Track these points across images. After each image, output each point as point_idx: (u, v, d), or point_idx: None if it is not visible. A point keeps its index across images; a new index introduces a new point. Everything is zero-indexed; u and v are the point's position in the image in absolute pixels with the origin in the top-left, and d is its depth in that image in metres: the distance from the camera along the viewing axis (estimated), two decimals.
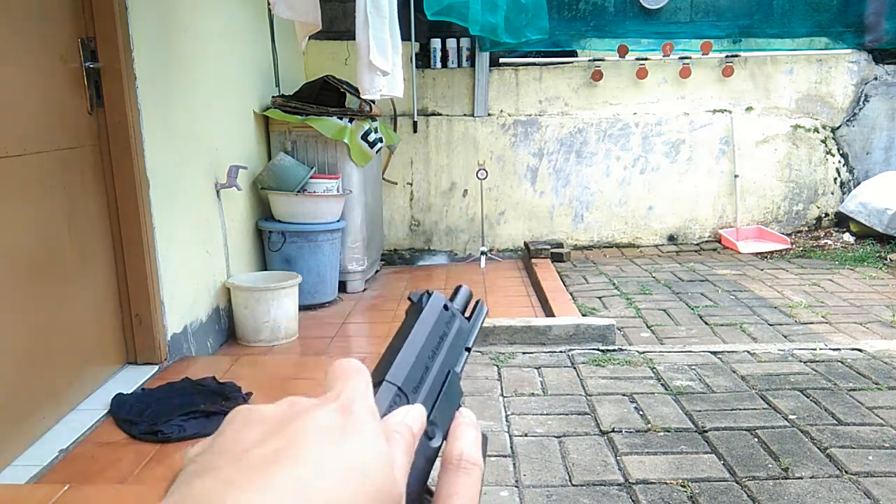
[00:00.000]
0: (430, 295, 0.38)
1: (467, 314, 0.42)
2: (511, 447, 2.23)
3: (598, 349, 3.09)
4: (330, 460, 0.25)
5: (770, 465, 2.10)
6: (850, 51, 5.21)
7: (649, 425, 2.37)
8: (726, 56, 5.13)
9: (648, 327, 3.56)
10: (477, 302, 0.42)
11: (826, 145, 5.36)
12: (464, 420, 0.35)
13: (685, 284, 4.33)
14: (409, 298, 0.39)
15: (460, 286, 0.42)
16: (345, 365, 0.31)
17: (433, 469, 0.33)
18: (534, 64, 5.14)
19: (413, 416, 0.32)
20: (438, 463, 0.33)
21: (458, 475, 0.32)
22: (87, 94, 2.43)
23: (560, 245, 5.08)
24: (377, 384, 0.33)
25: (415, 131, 5.12)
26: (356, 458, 0.26)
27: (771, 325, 3.54)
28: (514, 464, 2.13)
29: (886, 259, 4.73)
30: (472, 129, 5.17)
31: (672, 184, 5.33)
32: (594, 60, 5.11)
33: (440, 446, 0.33)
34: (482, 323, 0.40)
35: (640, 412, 2.48)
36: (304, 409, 0.27)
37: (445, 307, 0.38)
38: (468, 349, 0.38)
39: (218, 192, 3.21)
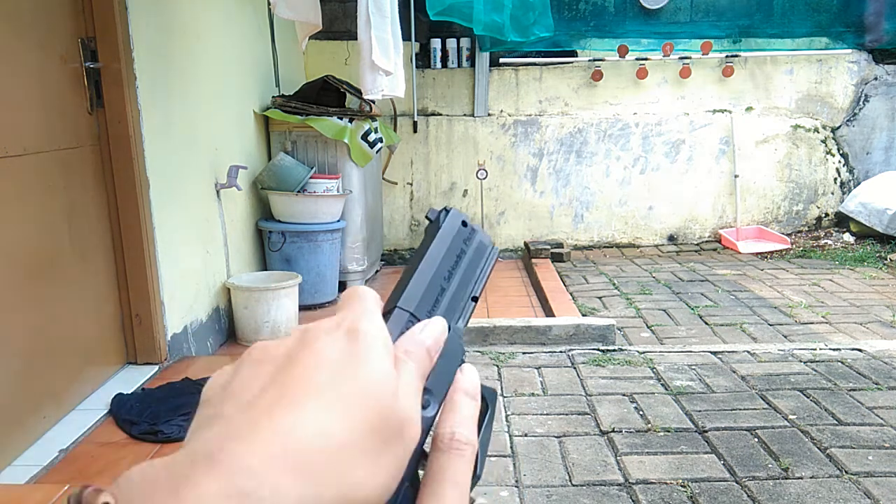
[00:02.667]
0: (447, 211, 0.36)
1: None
2: (511, 447, 2.23)
3: (598, 349, 3.09)
4: (333, 398, 0.25)
5: (770, 465, 2.10)
6: (850, 51, 5.21)
7: (649, 425, 2.37)
8: (726, 56, 5.13)
9: (648, 327, 3.56)
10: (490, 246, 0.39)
11: (826, 145, 5.36)
12: (462, 386, 0.31)
13: (685, 284, 4.33)
14: (427, 217, 0.36)
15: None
16: (355, 290, 0.30)
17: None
18: (534, 64, 5.14)
19: (428, 332, 0.30)
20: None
21: (449, 457, 0.29)
22: (87, 94, 2.43)
23: (560, 245, 5.08)
24: (389, 311, 0.32)
25: (415, 131, 5.12)
26: (360, 389, 0.25)
27: (771, 325, 3.54)
28: (514, 464, 2.13)
29: (886, 259, 4.73)
30: (472, 129, 5.17)
31: (672, 184, 5.33)
32: (594, 60, 5.11)
33: (435, 416, 0.29)
34: (492, 270, 0.37)
35: (640, 412, 2.48)
36: (311, 341, 0.27)
37: (464, 223, 0.36)
38: (475, 299, 0.35)
39: (218, 192, 3.21)
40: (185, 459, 0.23)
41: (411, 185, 5.24)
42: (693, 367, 2.89)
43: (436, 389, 0.30)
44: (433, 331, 0.31)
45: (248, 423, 0.24)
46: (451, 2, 4.33)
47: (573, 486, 2.01)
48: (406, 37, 4.35)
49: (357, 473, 0.24)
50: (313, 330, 0.28)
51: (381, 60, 3.06)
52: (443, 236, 0.35)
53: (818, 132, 5.34)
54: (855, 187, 5.33)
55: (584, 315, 3.54)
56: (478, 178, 5.02)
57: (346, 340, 0.27)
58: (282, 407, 0.24)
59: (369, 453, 0.25)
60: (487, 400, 0.32)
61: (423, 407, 0.28)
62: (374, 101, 3.97)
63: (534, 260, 4.78)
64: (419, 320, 0.31)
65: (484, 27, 4.47)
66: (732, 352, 3.06)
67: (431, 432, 0.29)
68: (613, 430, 2.34)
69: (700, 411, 2.47)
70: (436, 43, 5.03)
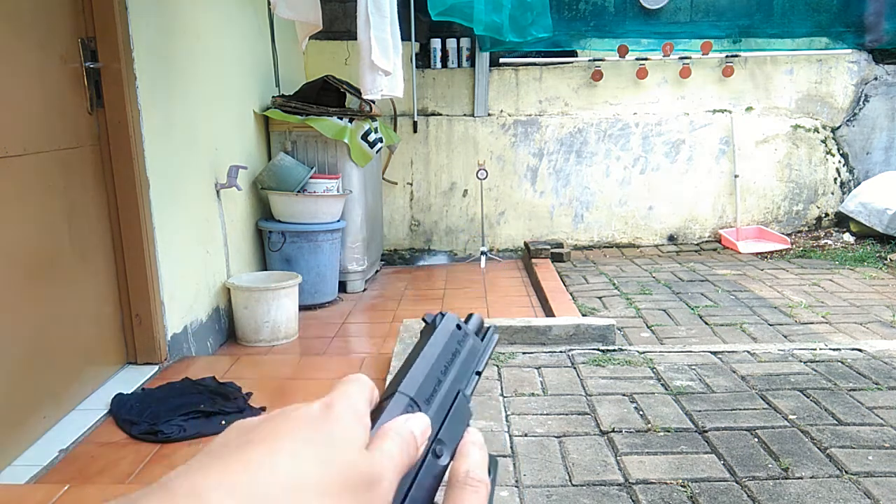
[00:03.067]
0: (443, 315, 0.40)
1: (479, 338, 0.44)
2: (511, 447, 2.23)
3: (598, 349, 3.09)
4: (301, 446, 0.27)
5: (770, 465, 2.10)
6: (850, 51, 5.21)
7: (649, 425, 2.37)
8: (726, 56, 5.13)
9: (648, 327, 3.56)
10: (489, 328, 0.44)
11: (826, 145, 5.36)
12: (471, 439, 0.35)
13: (685, 284, 4.33)
14: (424, 319, 0.40)
15: (472, 314, 0.44)
16: (349, 376, 0.33)
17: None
18: (534, 64, 5.14)
19: (415, 422, 0.33)
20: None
21: (463, 491, 0.32)
22: (87, 94, 2.43)
23: (560, 245, 5.08)
24: (390, 395, 0.35)
25: (415, 131, 5.12)
26: (327, 441, 0.28)
27: (771, 325, 3.54)
28: (514, 464, 2.13)
29: (886, 259, 4.73)
30: (472, 129, 5.17)
31: (672, 184, 5.33)
32: (594, 60, 5.11)
33: (448, 465, 0.33)
34: (493, 349, 0.41)
35: (640, 412, 2.47)
36: (290, 410, 0.30)
37: (458, 326, 0.40)
38: (478, 373, 0.39)
39: (218, 192, 3.21)
40: (142, 492, 0.25)
41: (411, 185, 5.24)
42: (693, 367, 2.89)
43: (448, 441, 0.34)
44: (419, 422, 0.33)
45: (219, 460, 0.26)
46: (453, 2, 4.33)
47: (573, 486, 2.01)
48: (406, 37, 4.35)
49: None
50: (295, 405, 0.30)
51: (381, 60, 3.06)
52: (439, 335, 0.39)
53: (818, 132, 5.34)
54: (855, 187, 5.33)
55: (584, 315, 3.54)
56: (478, 178, 5.02)
57: (320, 409, 0.30)
58: (252, 449, 0.26)
59: (332, 498, 0.26)
60: (491, 465, 0.36)
61: (437, 456, 0.33)
62: (373, 101, 3.97)
63: (534, 260, 4.78)
64: (418, 405, 0.35)
65: (484, 27, 4.47)
66: (732, 352, 3.06)
67: (445, 479, 0.33)
68: (613, 430, 2.34)
69: (700, 411, 2.47)
70: (436, 43, 5.03)
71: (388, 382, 0.37)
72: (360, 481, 0.27)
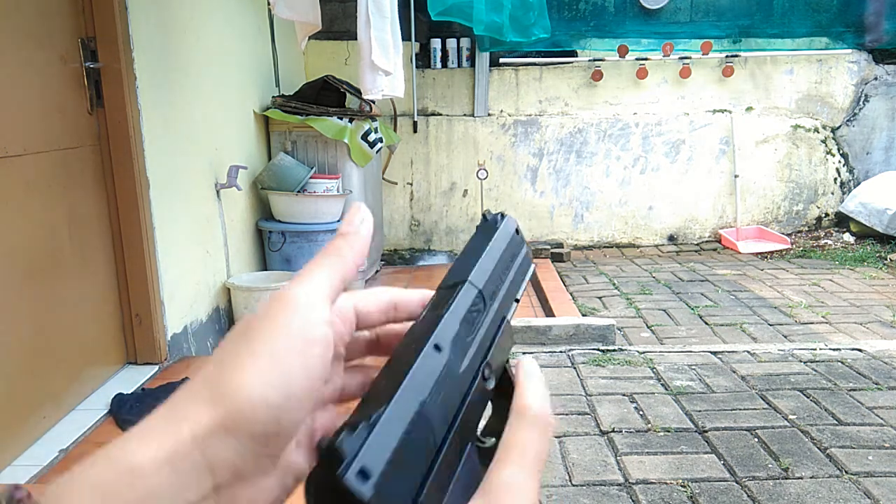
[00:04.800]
0: (503, 216, 0.38)
1: None
2: None
3: (598, 349, 3.09)
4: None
5: (770, 465, 2.10)
6: (850, 51, 5.21)
7: (649, 425, 2.37)
8: (726, 56, 5.13)
9: (648, 327, 3.56)
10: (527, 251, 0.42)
11: (826, 145, 5.36)
12: (534, 372, 0.33)
13: (685, 284, 4.33)
14: (484, 216, 0.38)
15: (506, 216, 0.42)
16: (343, 231, 0.33)
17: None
18: (534, 64, 5.14)
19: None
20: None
21: (530, 430, 0.29)
22: (87, 94, 2.43)
23: (560, 245, 5.08)
24: (455, 284, 0.33)
25: (415, 131, 5.12)
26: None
27: (771, 325, 3.54)
28: None
29: (886, 259, 4.73)
30: (472, 129, 5.17)
31: (672, 184, 5.33)
32: (594, 60, 5.11)
33: (494, 387, 0.32)
34: (531, 276, 0.39)
35: (640, 412, 2.48)
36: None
37: (517, 230, 0.38)
38: (517, 300, 0.37)
39: (218, 192, 3.21)
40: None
41: (411, 185, 5.24)
42: (693, 367, 2.89)
43: (496, 366, 0.32)
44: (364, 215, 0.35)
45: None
46: (453, 2, 4.33)
47: (573, 486, 2.01)
48: (406, 37, 4.35)
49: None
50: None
51: (381, 60, 3.06)
52: (501, 235, 0.37)
53: (818, 132, 5.34)
54: (855, 187, 5.33)
55: (584, 315, 3.54)
56: (478, 178, 5.02)
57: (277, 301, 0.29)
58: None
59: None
60: None
61: (486, 379, 0.31)
62: (373, 101, 3.97)
63: (534, 260, 4.77)
64: (485, 300, 0.33)
65: (485, 27, 4.47)
66: (732, 352, 3.06)
67: (490, 403, 0.32)
68: (613, 430, 2.34)
69: (700, 411, 2.47)
70: (436, 43, 5.03)
71: (449, 269, 0.35)
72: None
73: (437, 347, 0.29)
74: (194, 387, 0.26)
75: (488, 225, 0.38)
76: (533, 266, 0.39)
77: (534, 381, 0.32)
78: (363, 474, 0.24)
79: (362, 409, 0.27)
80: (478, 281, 0.33)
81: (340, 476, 0.23)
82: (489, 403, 0.32)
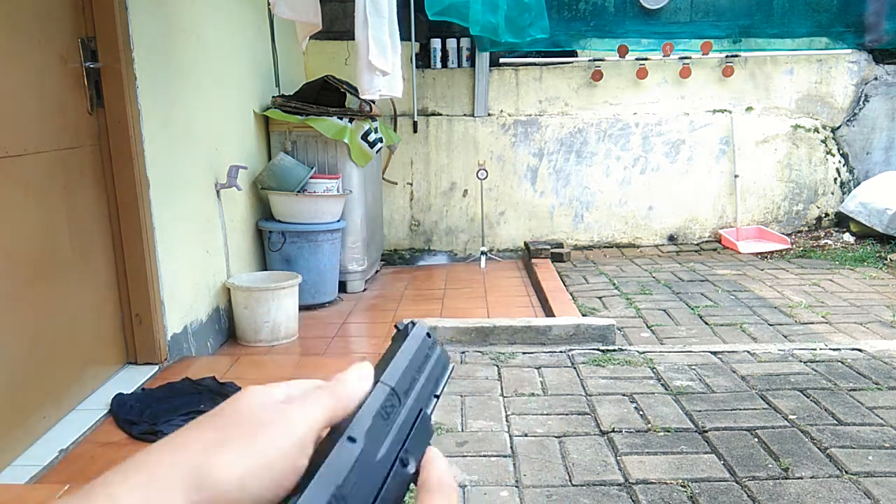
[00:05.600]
0: (414, 323, 0.42)
1: None
2: (511, 447, 2.23)
3: (598, 349, 3.09)
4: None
5: (770, 465, 2.10)
6: (850, 51, 5.21)
7: (649, 425, 2.37)
8: (726, 56, 5.13)
9: (648, 327, 3.56)
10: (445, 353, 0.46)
11: (826, 145, 5.36)
12: (437, 454, 0.37)
13: (685, 284, 4.33)
14: (396, 326, 0.42)
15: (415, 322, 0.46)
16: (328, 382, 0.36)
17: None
18: (534, 64, 5.14)
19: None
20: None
21: (438, 496, 0.34)
22: (87, 94, 2.43)
23: (560, 245, 5.08)
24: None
25: (415, 131, 5.12)
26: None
27: (771, 325, 3.54)
28: (514, 464, 2.13)
29: (886, 259, 4.73)
30: (472, 129, 5.17)
31: (672, 184, 5.33)
32: (594, 60, 5.11)
33: (413, 474, 0.35)
34: (449, 377, 0.43)
35: (640, 412, 2.48)
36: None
37: (428, 335, 0.41)
38: (437, 396, 0.40)
39: (218, 192, 3.21)
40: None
41: (411, 185, 5.24)
42: (693, 367, 2.89)
43: (413, 452, 0.36)
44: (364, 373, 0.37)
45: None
46: (450, 2, 4.33)
47: (573, 486, 2.01)
48: (406, 37, 4.35)
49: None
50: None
51: (379, 60, 3.06)
52: (413, 339, 0.40)
53: (818, 132, 5.34)
54: (855, 187, 5.33)
55: (584, 315, 3.54)
56: (478, 178, 5.02)
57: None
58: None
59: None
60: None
61: (405, 465, 0.34)
62: (373, 101, 3.97)
63: (534, 260, 4.78)
64: (399, 396, 0.36)
65: (481, 28, 4.46)
66: (732, 352, 3.06)
67: (412, 487, 0.36)
68: (613, 430, 2.34)
69: (700, 411, 2.47)
70: (436, 43, 5.03)
71: None
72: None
73: (352, 439, 0.32)
74: (165, 471, 0.30)
75: (400, 333, 0.41)
76: (451, 365, 0.43)
77: (439, 459, 0.36)
78: None
79: (283, 500, 0.31)
80: (390, 380, 0.37)
81: None
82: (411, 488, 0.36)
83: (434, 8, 4.28)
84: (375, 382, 0.36)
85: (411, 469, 0.35)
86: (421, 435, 0.37)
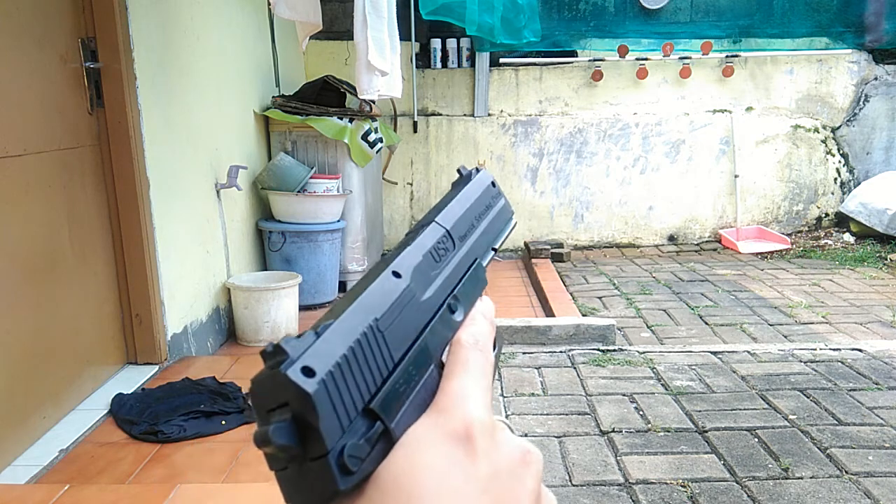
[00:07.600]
0: (478, 170, 0.39)
1: None
2: None
3: (598, 349, 3.09)
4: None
5: (770, 465, 2.10)
6: (850, 51, 5.21)
7: (649, 425, 2.37)
8: (726, 56, 5.13)
9: (648, 327, 3.56)
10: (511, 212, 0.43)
11: (826, 145, 5.36)
12: (483, 309, 0.34)
13: (685, 284, 4.33)
14: (459, 171, 0.39)
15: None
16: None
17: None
18: (534, 64, 5.14)
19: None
20: None
21: (470, 352, 0.31)
22: (87, 94, 2.43)
23: (560, 245, 5.08)
24: (425, 224, 0.34)
25: (415, 131, 5.12)
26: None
27: (771, 325, 3.54)
28: None
29: (886, 259, 4.73)
30: (473, 130, 5.17)
31: (672, 184, 5.33)
32: (594, 60, 5.11)
33: (460, 322, 0.33)
34: (511, 231, 0.40)
35: (640, 412, 2.48)
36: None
37: (493, 183, 0.39)
38: (495, 249, 0.38)
39: (218, 192, 3.21)
40: None
41: (411, 185, 5.24)
42: (693, 367, 2.89)
43: (463, 301, 0.33)
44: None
45: None
46: (445, 1, 4.32)
47: (573, 486, 2.01)
48: (406, 37, 4.35)
49: None
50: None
51: (377, 60, 3.06)
52: (475, 185, 0.38)
53: (818, 132, 5.34)
54: (855, 187, 5.33)
55: (584, 315, 3.54)
56: None
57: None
58: None
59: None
60: (498, 340, 0.35)
61: (452, 311, 0.32)
62: (373, 101, 3.97)
63: (534, 260, 4.78)
64: (453, 239, 0.34)
65: (477, 28, 4.46)
66: (732, 352, 3.06)
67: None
68: (613, 430, 2.34)
69: (700, 411, 2.47)
70: (436, 43, 5.03)
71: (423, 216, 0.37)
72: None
73: (396, 274, 0.30)
74: None
75: (462, 178, 0.39)
76: (514, 218, 0.40)
77: (483, 319, 0.33)
78: (307, 371, 0.24)
79: (314, 324, 0.27)
80: (445, 222, 0.35)
81: (283, 371, 0.24)
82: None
83: (428, 7, 4.28)
84: (430, 222, 0.34)
85: (458, 317, 0.32)
86: (473, 285, 0.34)
